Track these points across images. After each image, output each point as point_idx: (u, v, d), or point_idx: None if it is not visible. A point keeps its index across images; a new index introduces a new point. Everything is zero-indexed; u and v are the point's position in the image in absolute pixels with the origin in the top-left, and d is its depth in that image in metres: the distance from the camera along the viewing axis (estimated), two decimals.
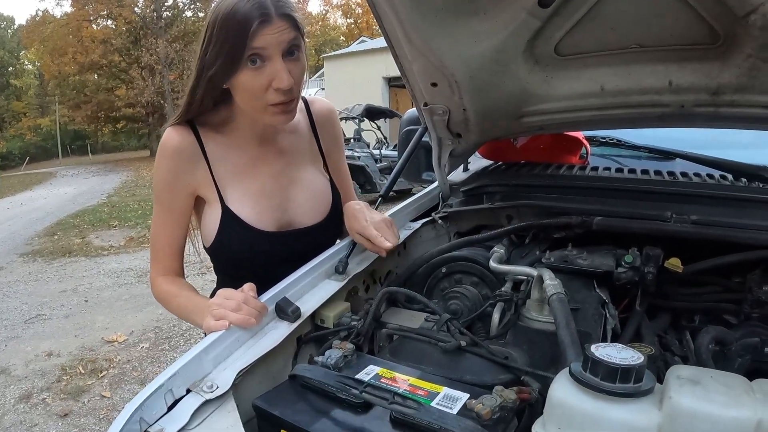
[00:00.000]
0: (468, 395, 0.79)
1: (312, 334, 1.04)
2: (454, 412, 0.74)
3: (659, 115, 1.34)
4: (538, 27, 1.13)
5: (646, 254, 1.21)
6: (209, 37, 1.07)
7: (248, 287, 0.99)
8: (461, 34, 1.15)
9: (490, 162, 1.89)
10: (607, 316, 1.18)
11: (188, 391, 0.81)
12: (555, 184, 1.54)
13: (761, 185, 1.40)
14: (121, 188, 15.12)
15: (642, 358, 0.60)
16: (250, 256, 1.24)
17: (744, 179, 1.47)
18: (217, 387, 0.80)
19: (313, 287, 1.11)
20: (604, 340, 1.12)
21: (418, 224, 1.56)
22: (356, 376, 0.82)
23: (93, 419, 3.23)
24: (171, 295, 1.22)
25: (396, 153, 10.02)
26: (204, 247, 1.29)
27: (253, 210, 1.22)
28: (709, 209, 1.29)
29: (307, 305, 1.04)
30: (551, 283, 1.01)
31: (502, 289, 1.22)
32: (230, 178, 1.23)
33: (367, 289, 1.34)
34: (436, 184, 1.83)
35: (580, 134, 1.74)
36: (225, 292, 0.98)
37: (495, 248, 1.36)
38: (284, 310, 0.97)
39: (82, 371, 3.82)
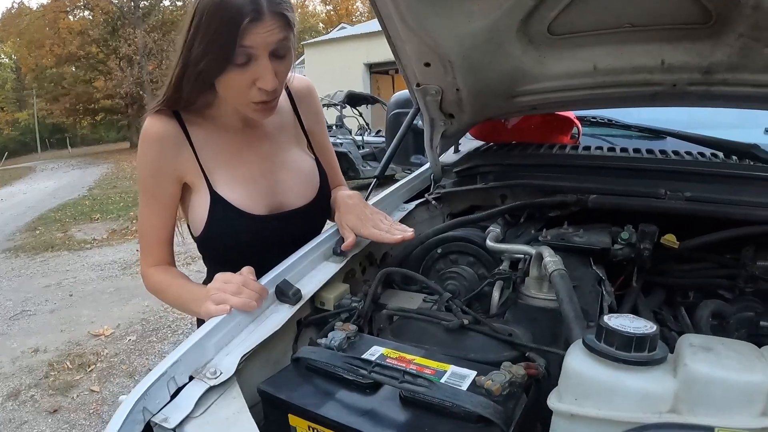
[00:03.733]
0: (475, 372, 0.79)
1: (313, 317, 1.03)
2: (464, 389, 0.74)
3: (651, 94, 1.35)
4: (531, 6, 1.12)
5: (641, 231, 1.22)
6: (196, 26, 1.02)
7: (247, 270, 0.98)
8: (455, 13, 1.14)
9: (482, 143, 1.89)
10: (604, 293, 1.18)
11: (191, 378, 0.79)
12: (549, 162, 1.54)
13: (752, 162, 1.41)
14: (101, 181, 14.89)
15: (654, 327, 0.61)
16: (242, 242, 1.21)
17: (735, 157, 1.49)
18: (221, 373, 0.79)
19: (311, 269, 1.10)
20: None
21: (411, 205, 1.56)
22: (362, 357, 0.82)
23: (83, 414, 3.20)
24: (165, 285, 1.19)
25: (378, 139, 10.01)
26: (193, 237, 1.26)
27: (243, 194, 1.20)
28: (702, 186, 1.30)
29: (307, 288, 1.03)
30: (552, 259, 1.01)
31: (500, 267, 1.22)
32: (217, 164, 1.20)
33: (364, 271, 1.33)
34: (427, 165, 1.82)
35: (571, 114, 1.74)
36: (223, 276, 0.97)
37: (491, 228, 1.35)
38: (285, 292, 0.96)
39: (70, 366, 3.77)
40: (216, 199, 1.17)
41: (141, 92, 25.38)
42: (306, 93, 1.38)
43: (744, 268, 1.24)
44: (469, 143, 1.95)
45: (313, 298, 1.05)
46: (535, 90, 1.41)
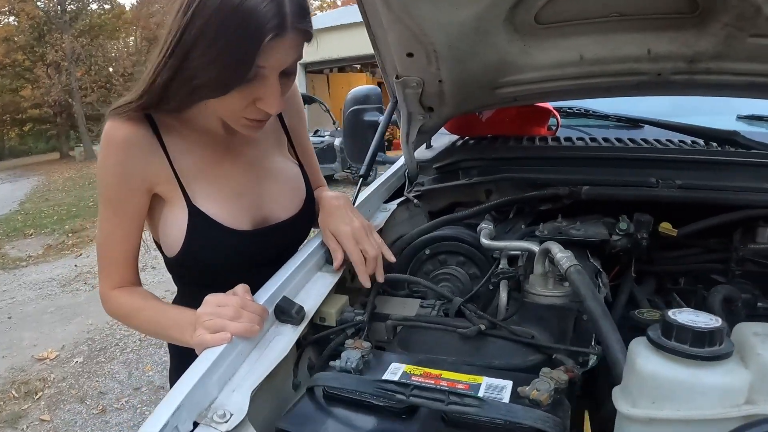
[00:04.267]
0: (511, 382, 0.73)
1: (314, 336, 0.94)
2: (506, 401, 0.68)
3: (636, 83, 1.33)
4: None
5: (637, 221, 1.20)
6: (200, 30, 0.83)
7: (242, 289, 0.87)
8: (442, 0, 1.07)
9: (456, 137, 1.83)
10: (600, 285, 1.16)
11: (195, 424, 0.68)
12: (535, 155, 1.50)
13: (735, 149, 1.42)
14: (33, 194, 14.04)
15: (720, 321, 0.58)
16: (225, 261, 1.09)
17: (714, 144, 1.49)
18: (231, 415, 0.68)
19: (306, 282, 1.01)
20: None
21: (393, 205, 1.49)
22: (391, 379, 0.74)
23: None
24: (134, 310, 1.04)
25: (316, 139, 9.86)
26: (166, 258, 1.11)
27: (226, 208, 1.07)
28: (690, 173, 1.30)
29: (307, 303, 0.93)
30: (564, 255, 0.96)
31: (501, 266, 1.16)
32: (195, 174, 1.06)
33: (353, 278, 1.25)
34: (400, 163, 1.75)
35: (548, 105, 1.71)
36: (216, 299, 0.85)
37: (483, 224, 1.30)
38: (286, 311, 0.87)
39: (16, 395, 3.50)
40: (195, 214, 1.03)
41: (70, 100, 24.16)
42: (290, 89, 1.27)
43: (735, 252, 1.25)
44: (440, 138, 1.89)
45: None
46: (518, 81, 1.36)
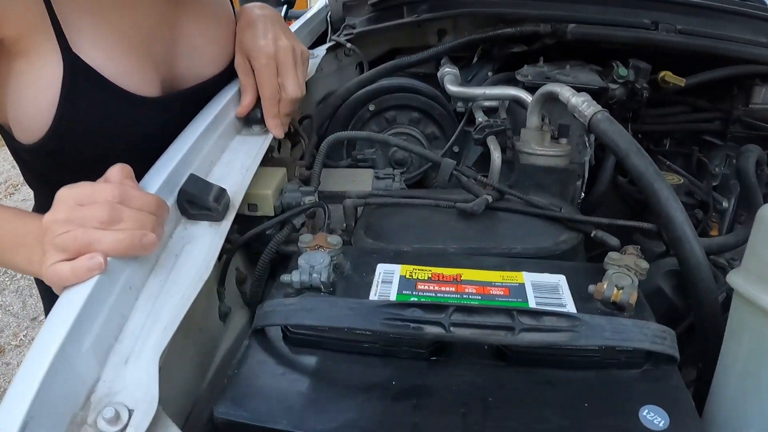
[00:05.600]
0: (563, 276, 0.51)
1: (245, 235, 0.63)
2: (570, 308, 0.46)
3: None
4: None
5: (634, 67, 0.98)
6: None
7: (119, 173, 0.51)
8: None
9: None
10: (587, 145, 0.96)
11: None
12: None
13: None
14: None
15: None
16: (117, 142, 0.69)
17: None
18: (131, 411, 0.36)
19: (222, 151, 0.68)
20: None
21: (321, 50, 1.14)
22: (378, 293, 0.47)
23: None
24: None
25: None
26: (17, 147, 0.68)
27: (122, 61, 0.65)
28: (688, 19, 1.08)
29: (229, 185, 0.59)
30: (583, 99, 0.71)
31: (481, 119, 0.89)
32: (79, 12, 0.62)
33: (280, 147, 0.93)
34: (322, 2, 1.37)
35: None
36: (75, 193, 0.48)
37: (445, 69, 1.03)
38: (199, 199, 0.53)
39: None
40: (75, 68, 0.61)
41: None
42: None
43: (734, 111, 1.10)
44: None
45: None
46: None
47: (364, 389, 0.41)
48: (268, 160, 0.81)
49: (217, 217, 0.54)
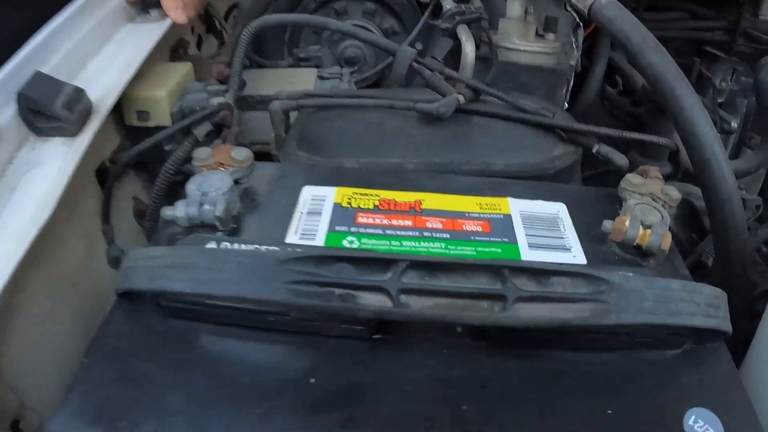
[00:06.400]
0: (563, 205, 0.38)
1: (134, 150, 0.47)
2: (576, 252, 0.33)
3: None
4: None
5: None
6: None
7: None
8: None
9: None
10: (574, 46, 0.81)
11: None
12: None
13: None
14: None
15: None
16: None
17: None
18: None
19: (103, 44, 0.50)
20: None
21: None
22: (300, 237, 0.33)
23: None
24: None
25: None
26: None
27: None
28: None
29: (101, 86, 0.44)
30: None
31: (450, 6, 0.72)
32: None
33: (200, 44, 0.76)
34: None
35: None
36: None
37: None
38: (43, 105, 0.37)
39: None
40: None
41: None
42: None
43: (741, 22, 0.98)
44: None
45: (119, 108, 0.48)
46: None
47: (267, 394, 0.27)
48: (179, 59, 0.64)
49: (70, 130, 0.38)
